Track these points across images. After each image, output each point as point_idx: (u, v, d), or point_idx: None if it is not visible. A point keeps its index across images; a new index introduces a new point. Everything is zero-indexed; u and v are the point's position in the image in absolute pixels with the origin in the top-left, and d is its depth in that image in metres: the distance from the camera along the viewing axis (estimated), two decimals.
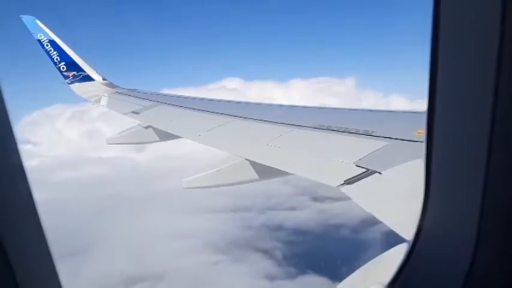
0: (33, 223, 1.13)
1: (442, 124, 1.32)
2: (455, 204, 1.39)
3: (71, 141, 62.31)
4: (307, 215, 29.79)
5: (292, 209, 30.82)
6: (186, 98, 11.18)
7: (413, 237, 1.57)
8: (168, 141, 8.74)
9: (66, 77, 14.27)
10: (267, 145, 5.73)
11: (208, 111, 8.64)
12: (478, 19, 1.13)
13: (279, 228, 28.05)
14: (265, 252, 24.72)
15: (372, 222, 26.26)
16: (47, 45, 13.95)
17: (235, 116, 7.70)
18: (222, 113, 8.08)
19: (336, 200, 30.55)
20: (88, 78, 14.40)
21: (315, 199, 31.36)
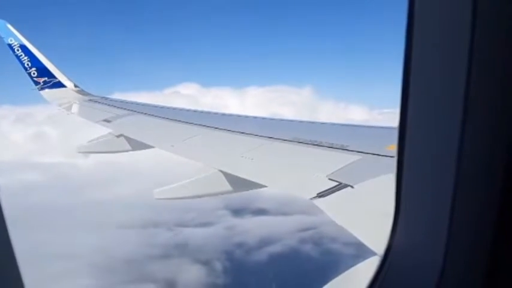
0: None
1: (412, 141, 1.35)
2: (424, 220, 1.40)
3: (13, 145, 59.69)
4: (213, 232, 29.77)
5: (203, 225, 30.72)
6: (161, 107, 11.08)
7: (383, 253, 1.57)
8: (140, 151, 8.62)
9: (36, 83, 13.95)
10: (241, 157, 5.72)
11: (182, 121, 8.58)
12: (450, 21, 1.15)
13: (175, 247, 27.61)
14: (142, 280, 23.88)
15: (269, 241, 26.91)
16: (18, 50, 13.63)
17: (209, 126, 7.67)
18: (196, 124, 8.04)
19: (258, 214, 31.43)
20: (59, 85, 14.10)
21: (236, 213, 31.59)
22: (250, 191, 5.65)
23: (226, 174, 5.42)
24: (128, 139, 8.61)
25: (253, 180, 5.03)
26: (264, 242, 26.96)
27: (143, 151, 8.57)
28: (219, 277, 23.80)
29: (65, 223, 28.71)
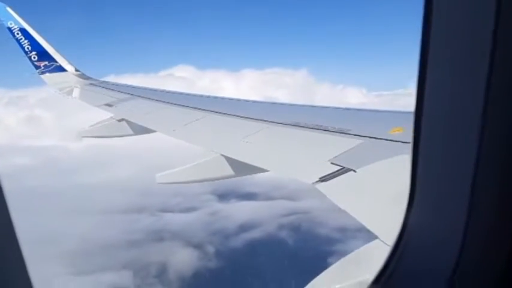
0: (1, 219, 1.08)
1: (430, 117, 1.29)
2: (442, 201, 1.37)
3: (5, 128, 59.44)
4: (193, 218, 29.50)
5: (186, 210, 30.47)
6: (162, 91, 11.05)
7: (398, 234, 1.54)
8: (142, 135, 8.62)
9: (37, 67, 13.88)
10: (243, 141, 5.71)
11: (184, 105, 8.55)
12: (471, 15, 1.10)
13: (153, 233, 27.27)
14: (114, 268, 23.19)
15: (248, 227, 26.77)
16: (18, 34, 13.53)
17: (211, 111, 7.65)
18: (198, 108, 8.01)
19: (243, 199, 31.35)
20: (60, 69, 14.04)
21: (221, 198, 31.47)
22: (244, 176, 5.66)
23: (228, 159, 5.41)
24: (130, 123, 8.62)
25: (255, 164, 5.02)
26: (243, 228, 26.87)
27: (145, 135, 8.59)
28: (191, 264, 23.61)
29: (47, 207, 28.50)
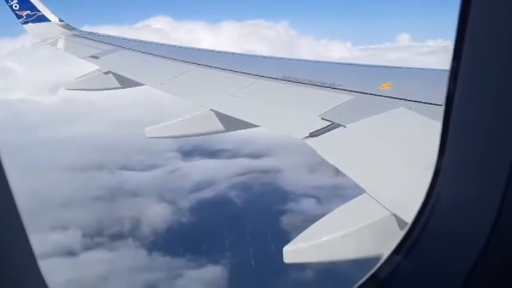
0: (11, 216, 1.06)
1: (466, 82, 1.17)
2: (475, 170, 1.24)
3: None
4: (151, 176, 29.00)
5: (146, 168, 29.95)
6: (148, 43, 10.79)
7: (422, 203, 1.40)
8: (130, 89, 8.49)
9: (19, 17, 13.38)
10: (232, 96, 5.66)
11: (171, 58, 8.38)
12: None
13: (106, 191, 26.44)
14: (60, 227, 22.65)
15: (201, 186, 26.41)
16: None
17: (198, 64, 7.52)
18: (185, 61, 7.87)
19: (207, 156, 31.01)
20: (43, 19, 13.55)
21: (185, 156, 31.05)
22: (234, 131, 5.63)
23: (217, 114, 5.38)
24: (117, 76, 8.45)
25: (245, 119, 5.01)
26: (195, 188, 26.56)
27: (132, 89, 8.46)
28: (138, 226, 23.15)
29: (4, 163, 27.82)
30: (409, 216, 2.48)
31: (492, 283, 1.20)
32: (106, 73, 8.63)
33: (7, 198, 1.05)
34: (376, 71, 5.83)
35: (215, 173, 28.27)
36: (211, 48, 9.56)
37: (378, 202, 2.78)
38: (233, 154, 30.89)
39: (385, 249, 2.81)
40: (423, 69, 5.51)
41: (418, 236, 1.36)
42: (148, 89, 7.58)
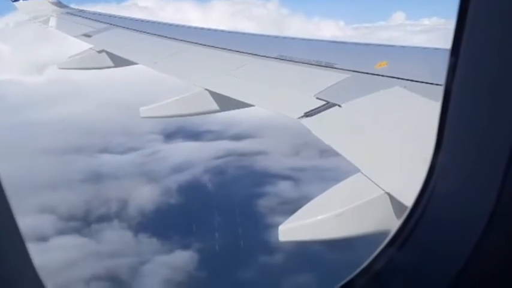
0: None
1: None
2: (471, 166, 1.22)
3: None
4: (129, 159, 28.22)
5: (126, 151, 29.15)
6: (142, 21, 10.64)
7: (416, 196, 1.36)
8: (123, 68, 8.41)
9: None
10: (227, 75, 5.62)
11: (165, 36, 8.29)
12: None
13: (81, 175, 25.48)
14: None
15: (177, 170, 25.53)
16: None
17: (193, 42, 7.44)
18: (179, 39, 7.78)
19: (189, 139, 30.26)
20: None
21: (167, 138, 30.37)
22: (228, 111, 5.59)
23: (212, 93, 5.34)
24: (110, 55, 8.36)
25: (240, 99, 4.99)
26: (172, 171, 25.86)
27: (126, 68, 8.38)
28: (109, 210, 22.33)
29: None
30: (403, 196, 2.51)
31: (485, 280, 1.20)
32: (99, 52, 8.54)
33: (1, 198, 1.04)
34: (372, 50, 5.80)
35: (194, 156, 27.68)
36: (203, 26, 9.45)
37: (372, 181, 2.80)
38: (217, 136, 30.32)
39: (379, 229, 2.82)
40: (419, 47, 5.48)
41: (412, 229, 1.35)
42: (142, 68, 7.51)
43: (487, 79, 1.13)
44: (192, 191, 24.19)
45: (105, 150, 29.69)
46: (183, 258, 18.23)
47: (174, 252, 18.75)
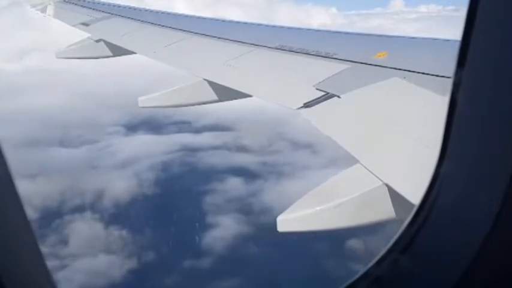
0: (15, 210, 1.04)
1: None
2: (475, 174, 1.21)
3: None
4: (80, 153, 27.74)
5: (81, 144, 28.70)
6: (141, 10, 10.56)
7: (419, 202, 1.35)
8: (121, 57, 8.36)
9: None
10: (226, 65, 5.59)
11: (164, 25, 8.23)
12: None
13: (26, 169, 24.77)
14: None
15: (125, 164, 25.02)
16: None
17: (192, 32, 7.38)
18: (178, 29, 7.72)
19: (150, 132, 29.90)
20: None
21: (129, 131, 29.92)
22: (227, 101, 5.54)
23: (211, 83, 5.31)
24: (108, 44, 8.30)
25: (239, 89, 4.96)
26: (117, 166, 25.58)
27: (124, 57, 8.34)
28: (50, 207, 22.28)
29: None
30: (402, 187, 2.51)
31: (489, 285, 1.20)
32: (97, 41, 8.49)
33: (12, 195, 1.05)
34: (371, 40, 5.76)
35: (145, 150, 27.19)
36: (202, 16, 9.40)
37: (371, 172, 2.79)
38: (180, 129, 29.82)
39: (377, 219, 2.82)
40: (419, 38, 5.45)
41: (416, 233, 1.34)
42: (141, 58, 7.47)
43: (492, 87, 1.13)
44: (134, 187, 23.60)
45: (60, 143, 29.09)
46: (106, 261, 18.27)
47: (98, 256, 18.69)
